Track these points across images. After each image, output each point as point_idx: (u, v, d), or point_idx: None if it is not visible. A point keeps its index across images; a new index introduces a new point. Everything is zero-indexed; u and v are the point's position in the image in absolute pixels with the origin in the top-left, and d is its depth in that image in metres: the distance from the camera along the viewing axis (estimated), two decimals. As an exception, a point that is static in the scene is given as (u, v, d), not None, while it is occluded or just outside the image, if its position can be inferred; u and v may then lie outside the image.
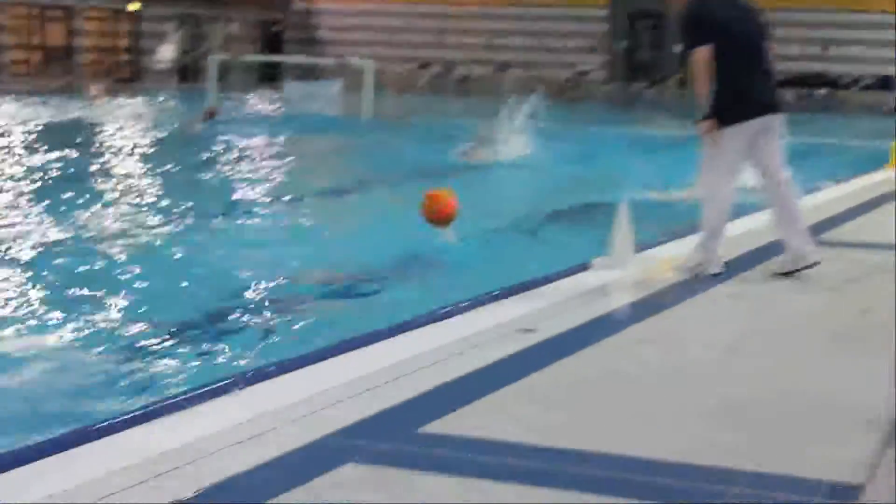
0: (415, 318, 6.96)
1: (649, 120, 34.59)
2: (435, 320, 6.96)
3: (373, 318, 7.87)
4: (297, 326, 8.04)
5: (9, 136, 22.55)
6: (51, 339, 7.74)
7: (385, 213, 13.29)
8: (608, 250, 8.81)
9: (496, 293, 7.69)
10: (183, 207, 13.83)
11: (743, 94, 8.38)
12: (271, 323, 8.24)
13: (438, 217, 10.39)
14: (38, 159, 18.81)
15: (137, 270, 9.82)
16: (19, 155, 19.65)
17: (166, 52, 45.11)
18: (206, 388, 5.37)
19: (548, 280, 8.29)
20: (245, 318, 8.37)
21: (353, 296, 9.14)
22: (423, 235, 10.95)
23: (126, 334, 7.86)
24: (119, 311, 8.53)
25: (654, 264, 9.08)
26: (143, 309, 8.47)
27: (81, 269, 9.92)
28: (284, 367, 5.82)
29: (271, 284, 9.34)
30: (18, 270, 9.86)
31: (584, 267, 8.75)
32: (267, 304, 8.78)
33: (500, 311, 7.26)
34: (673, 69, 48.36)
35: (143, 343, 7.60)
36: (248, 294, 9.10)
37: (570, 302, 7.65)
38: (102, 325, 8.09)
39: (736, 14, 8.49)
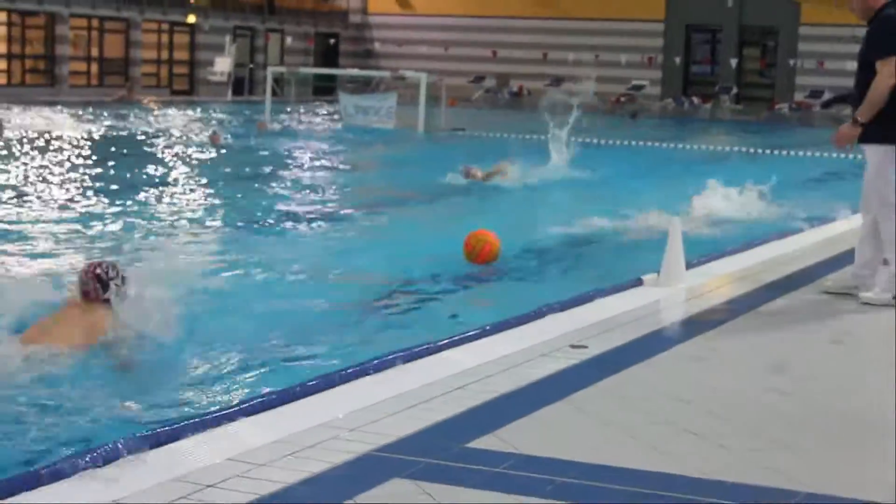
0: (465, 332, 6.96)
1: (704, 135, 34.44)
2: (486, 335, 6.96)
3: (428, 330, 7.89)
4: (345, 339, 8.04)
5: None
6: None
7: (439, 226, 13.28)
8: (660, 267, 8.78)
9: (547, 308, 7.67)
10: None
11: None
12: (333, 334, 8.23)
13: (480, 258, 10.53)
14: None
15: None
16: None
17: (222, 65, 45.46)
18: (257, 400, 5.41)
19: (599, 296, 8.27)
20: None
21: (408, 308, 9.13)
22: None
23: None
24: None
25: (706, 281, 9.04)
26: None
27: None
28: (333, 381, 5.83)
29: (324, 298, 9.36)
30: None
31: (636, 283, 8.72)
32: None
33: (552, 327, 7.24)
34: (729, 83, 48.17)
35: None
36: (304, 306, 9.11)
37: (622, 318, 7.63)
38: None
39: None
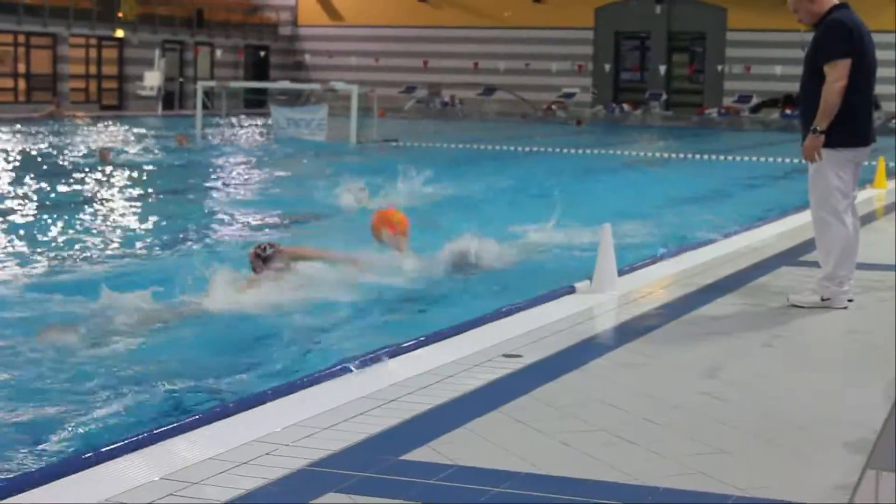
0: (399, 343, 6.95)
1: (635, 142, 34.71)
2: (418, 346, 6.95)
3: (359, 343, 7.87)
4: (277, 355, 8.01)
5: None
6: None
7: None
8: (592, 274, 8.82)
9: (481, 318, 7.68)
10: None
11: (859, 117, 8.25)
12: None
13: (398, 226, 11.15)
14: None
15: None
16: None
17: (152, 79, 45.14)
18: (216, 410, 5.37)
19: (533, 305, 8.29)
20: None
21: (339, 322, 9.10)
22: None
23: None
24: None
25: (638, 287, 9.09)
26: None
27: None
28: (269, 395, 5.80)
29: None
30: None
31: (568, 290, 8.75)
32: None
33: (485, 337, 7.25)
34: (658, 90, 48.55)
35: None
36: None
37: (555, 326, 7.65)
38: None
39: (868, 37, 8.33)
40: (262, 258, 9.88)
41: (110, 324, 8.54)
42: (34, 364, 7.50)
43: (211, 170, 23.09)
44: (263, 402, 5.71)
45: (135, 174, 21.47)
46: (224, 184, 20.65)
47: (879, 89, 10.23)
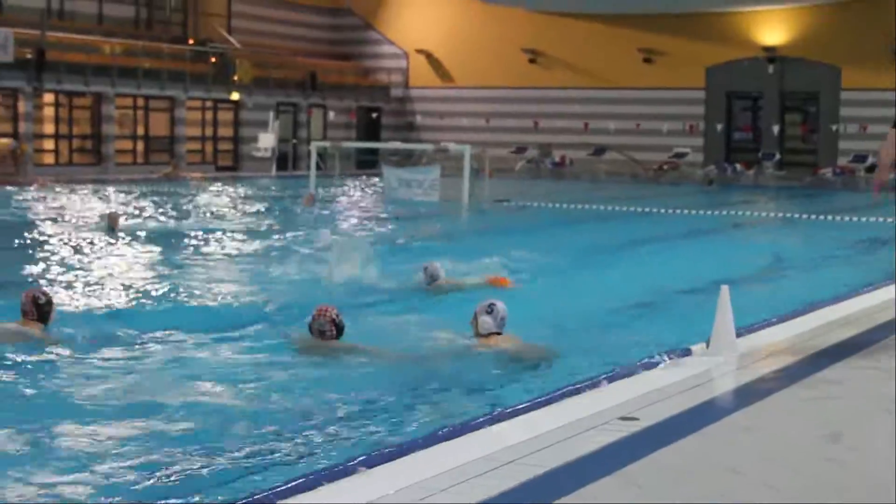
0: (515, 405, 6.92)
1: (748, 202, 34.37)
2: (534, 408, 6.91)
3: (474, 407, 7.87)
4: (386, 417, 8.02)
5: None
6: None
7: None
8: (708, 337, 8.73)
9: (597, 379, 7.63)
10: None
11: None
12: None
13: None
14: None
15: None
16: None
17: (266, 140, 45.87)
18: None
19: (649, 366, 8.22)
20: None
21: (450, 384, 9.10)
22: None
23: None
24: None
25: (756, 350, 8.97)
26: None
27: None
28: (378, 459, 5.81)
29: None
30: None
31: (684, 353, 8.66)
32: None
33: (602, 398, 7.20)
34: (771, 149, 48.10)
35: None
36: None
37: (671, 389, 7.57)
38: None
39: None
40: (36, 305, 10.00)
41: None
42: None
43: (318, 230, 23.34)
44: (378, 464, 5.72)
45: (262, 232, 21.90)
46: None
47: None
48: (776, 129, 48.44)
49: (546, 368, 9.58)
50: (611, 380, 7.72)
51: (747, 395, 7.59)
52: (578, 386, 7.51)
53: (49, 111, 41.61)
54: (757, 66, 48.66)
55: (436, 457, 5.87)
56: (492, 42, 52.82)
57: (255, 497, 5.13)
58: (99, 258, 17.25)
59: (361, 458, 5.79)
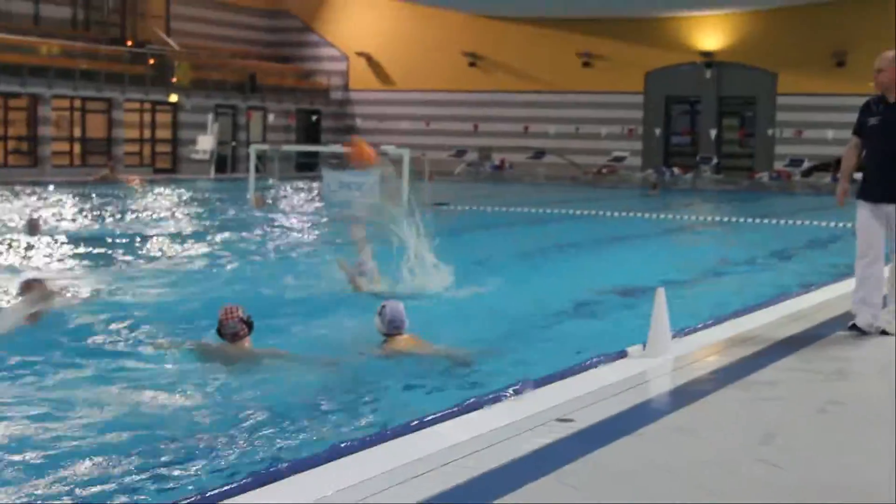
0: (451, 407, 6.92)
1: (686, 206, 34.62)
2: (469, 410, 6.92)
3: (413, 407, 7.86)
4: (329, 415, 8.00)
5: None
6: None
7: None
8: (645, 338, 8.78)
9: (533, 381, 7.65)
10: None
11: None
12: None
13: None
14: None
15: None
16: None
17: (205, 143, 45.60)
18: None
19: (585, 369, 8.25)
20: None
21: (390, 385, 9.09)
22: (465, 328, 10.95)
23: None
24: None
25: (692, 351, 9.04)
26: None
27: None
28: (320, 459, 5.79)
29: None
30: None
31: (620, 355, 8.71)
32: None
33: (538, 401, 7.21)
34: (709, 154, 48.49)
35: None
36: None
37: (608, 390, 7.60)
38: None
39: None
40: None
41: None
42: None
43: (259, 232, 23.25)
44: (317, 465, 5.70)
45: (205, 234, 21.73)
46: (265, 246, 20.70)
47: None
48: (713, 133, 48.85)
49: (470, 371, 9.54)
50: (547, 381, 7.74)
51: (683, 396, 7.65)
52: (513, 388, 7.51)
53: (-16, 112, 41.18)
54: (695, 70, 49.06)
55: (373, 458, 5.87)
56: (432, 45, 52.91)
57: (184, 500, 5.10)
58: (14, 262, 16.93)
59: (295, 461, 5.78)
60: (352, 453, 5.91)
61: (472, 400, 7.08)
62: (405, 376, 9.25)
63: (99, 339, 10.62)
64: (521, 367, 9.20)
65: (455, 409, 6.90)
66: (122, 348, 10.23)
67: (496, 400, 7.15)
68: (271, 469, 5.64)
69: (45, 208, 27.00)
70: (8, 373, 9.08)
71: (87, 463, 6.78)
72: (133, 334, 10.78)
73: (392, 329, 9.75)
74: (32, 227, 20.67)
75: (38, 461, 6.82)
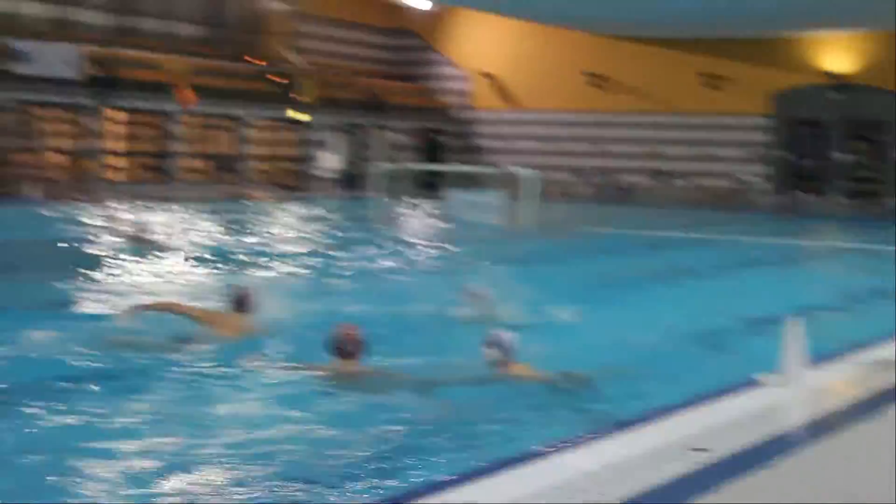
0: (582, 435, 6.87)
1: (816, 231, 34.08)
2: (602, 436, 6.85)
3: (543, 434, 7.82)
4: (451, 444, 7.98)
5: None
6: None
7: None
8: (779, 366, 8.63)
9: (665, 409, 7.56)
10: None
11: None
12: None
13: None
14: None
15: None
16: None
17: (330, 161, 46.05)
18: None
19: (716, 396, 8.13)
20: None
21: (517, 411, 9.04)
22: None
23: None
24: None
25: (827, 381, 8.86)
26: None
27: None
28: (443, 486, 5.78)
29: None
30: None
31: (752, 383, 8.57)
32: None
33: (671, 428, 7.12)
34: (837, 178, 47.66)
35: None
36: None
37: (741, 420, 7.48)
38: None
39: None
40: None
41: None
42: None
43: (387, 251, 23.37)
44: (439, 490, 5.68)
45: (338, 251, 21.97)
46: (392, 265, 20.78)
47: None
48: (842, 156, 47.99)
49: (590, 397, 9.43)
50: (680, 409, 7.65)
51: (818, 428, 7.51)
52: (647, 414, 7.44)
53: (116, 128, 42.03)
54: (822, 92, 48.26)
55: (498, 485, 5.84)
56: (554, 65, 52.80)
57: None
58: (126, 275, 17.29)
59: (416, 487, 5.78)
60: (477, 479, 5.89)
61: (599, 427, 7.02)
62: (523, 402, 9.19)
63: (220, 354, 10.76)
64: (645, 394, 9.10)
65: (583, 436, 6.85)
66: (243, 366, 10.32)
67: (625, 427, 7.09)
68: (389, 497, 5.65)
69: (175, 223, 27.48)
70: (143, 386, 9.26)
71: (214, 478, 6.86)
72: (255, 351, 10.90)
73: (506, 356, 9.70)
74: (140, 241, 21.15)
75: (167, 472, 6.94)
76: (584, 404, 9.19)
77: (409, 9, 54.89)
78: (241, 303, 11.67)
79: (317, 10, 51.35)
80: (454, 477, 5.89)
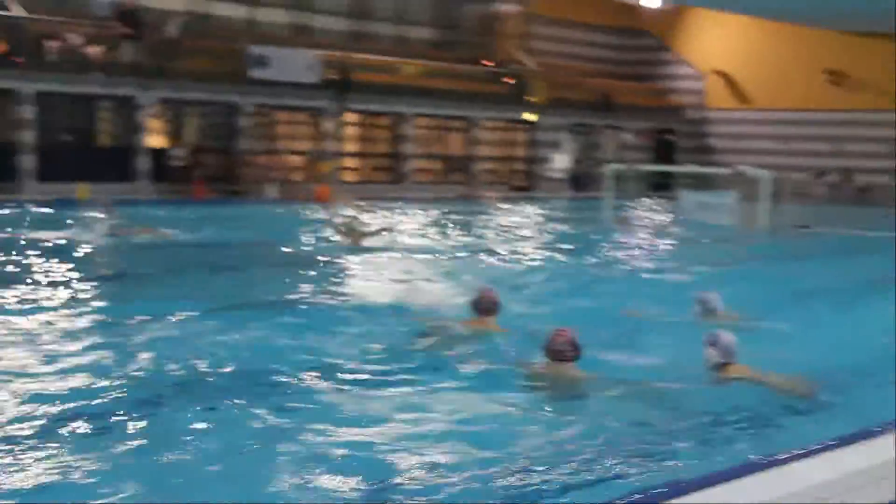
0: (812, 444, 6.67)
1: None
2: (831, 447, 6.62)
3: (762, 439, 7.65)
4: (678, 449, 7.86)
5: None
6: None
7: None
8: None
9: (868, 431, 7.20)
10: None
11: None
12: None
13: None
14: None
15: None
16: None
17: (561, 161, 46.07)
18: None
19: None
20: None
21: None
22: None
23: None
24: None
25: None
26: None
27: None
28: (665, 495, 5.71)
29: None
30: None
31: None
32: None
33: (874, 451, 6.76)
34: None
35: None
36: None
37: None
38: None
39: None
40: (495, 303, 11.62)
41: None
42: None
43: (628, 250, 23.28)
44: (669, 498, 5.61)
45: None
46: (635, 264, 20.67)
47: None
48: None
49: (814, 404, 9.14)
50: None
51: None
52: (885, 425, 7.17)
53: (351, 130, 42.98)
54: None
55: (732, 493, 5.73)
56: (791, 63, 51.61)
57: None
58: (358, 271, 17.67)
59: (659, 489, 5.72)
60: (711, 486, 5.79)
61: (835, 437, 6.81)
62: (746, 406, 8.99)
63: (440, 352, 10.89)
64: (868, 405, 8.77)
65: (819, 445, 6.65)
66: (467, 364, 10.40)
67: (859, 439, 6.85)
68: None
69: (406, 224, 27.91)
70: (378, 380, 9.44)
71: (455, 479, 6.94)
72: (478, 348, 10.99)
73: (726, 357, 9.53)
74: (354, 238, 21.68)
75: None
76: (810, 410, 8.95)
77: (641, 8, 54.43)
78: (484, 305, 11.80)
79: (547, 12, 51.43)
80: (696, 479, 5.81)
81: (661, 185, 45.48)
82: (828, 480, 5.96)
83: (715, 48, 54.15)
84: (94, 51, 33.23)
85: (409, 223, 28.47)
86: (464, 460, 7.31)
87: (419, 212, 32.79)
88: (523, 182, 48.07)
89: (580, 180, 48.09)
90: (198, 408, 8.55)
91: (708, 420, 8.58)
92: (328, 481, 6.91)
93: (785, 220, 30.70)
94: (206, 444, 7.58)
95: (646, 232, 28.75)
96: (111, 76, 33.57)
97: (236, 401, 8.75)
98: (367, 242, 21.62)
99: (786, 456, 6.38)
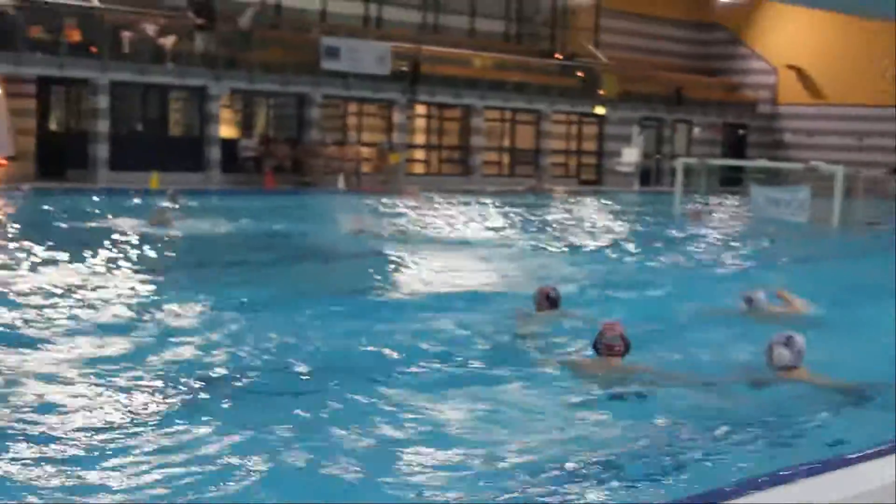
0: (875, 445, 6.57)
1: None
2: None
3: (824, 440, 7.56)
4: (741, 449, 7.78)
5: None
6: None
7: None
8: None
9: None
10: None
11: None
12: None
13: None
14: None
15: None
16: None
17: (630, 155, 45.87)
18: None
19: None
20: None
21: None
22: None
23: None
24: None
25: None
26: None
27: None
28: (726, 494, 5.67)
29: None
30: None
31: None
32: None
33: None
34: None
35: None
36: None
37: None
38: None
39: None
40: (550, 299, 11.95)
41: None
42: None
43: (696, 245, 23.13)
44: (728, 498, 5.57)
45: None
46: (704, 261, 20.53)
47: None
48: None
49: (871, 406, 8.98)
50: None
51: None
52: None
53: (420, 122, 43.06)
54: None
55: (804, 490, 5.67)
56: (863, 58, 50.98)
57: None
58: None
59: (726, 489, 5.68)
60: (771, 487, 5.73)
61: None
62: (808, 406, 8.87)
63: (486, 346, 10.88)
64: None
65: (883, 447, 6.56)
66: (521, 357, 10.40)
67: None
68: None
69: (477, 215, 27.92)
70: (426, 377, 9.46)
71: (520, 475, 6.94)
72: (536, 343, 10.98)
73: (799, 361, 9.39)
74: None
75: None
76: (880, 414, 8.80)
77: (714, 2, 54.05)
78: (543, 299, 11.99)
79: (619, 5, 51.21)
80: (762, 479, 5.77)
81: (731, 180, 45.10)
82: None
83: (787, 43, 53.63)
84: (167, 41, 33.53)
85: (478, 216, 28.48)
86: (513, 457, 7.30)
87: (488, 203, 32.78)
88: (592, 175, 47.90)
89: (649, 174, 47.85)
90: (283, 395, 8.66)
91: (771, 420, 8.49)
92: (410, 471, 6.96)
93: (857, 217, 30.35)
94: (293, 429, 7.64)
95: (717, 226, 28.55)
96: (184, 66, 33.87)
97: (325, 386, 8.84)
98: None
99: (856, 455, 6.31)
